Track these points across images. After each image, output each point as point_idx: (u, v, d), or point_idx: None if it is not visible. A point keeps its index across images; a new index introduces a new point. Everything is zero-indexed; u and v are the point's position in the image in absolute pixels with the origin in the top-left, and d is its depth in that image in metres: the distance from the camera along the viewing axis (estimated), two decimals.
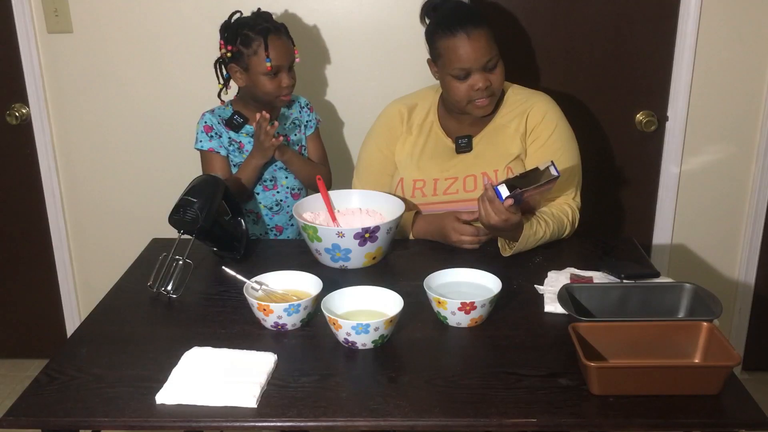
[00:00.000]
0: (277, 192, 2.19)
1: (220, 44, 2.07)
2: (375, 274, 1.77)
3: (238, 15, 2.08)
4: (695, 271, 2.65)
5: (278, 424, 1.24)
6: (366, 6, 2.42)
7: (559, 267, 1.75)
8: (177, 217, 1.71)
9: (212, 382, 1.31)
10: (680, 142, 2.50)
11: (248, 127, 2.13)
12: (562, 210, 1.93)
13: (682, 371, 1.29)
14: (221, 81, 2.14)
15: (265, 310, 1.47)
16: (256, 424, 1.25)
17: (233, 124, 2.12)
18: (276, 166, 2.16)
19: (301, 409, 1.25)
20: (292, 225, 2.24)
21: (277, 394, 1.29)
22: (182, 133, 2.46)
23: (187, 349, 1.41)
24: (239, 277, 1.58)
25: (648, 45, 2.44)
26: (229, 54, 2.04)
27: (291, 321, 1.49)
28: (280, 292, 1.59)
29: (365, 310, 1.49)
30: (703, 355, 1.35)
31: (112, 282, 1.76)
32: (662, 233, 2.63)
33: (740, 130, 2.50)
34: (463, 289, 1.59)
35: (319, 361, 1.40)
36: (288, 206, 2.20)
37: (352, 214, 1.94)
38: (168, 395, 1.28)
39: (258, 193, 2.18)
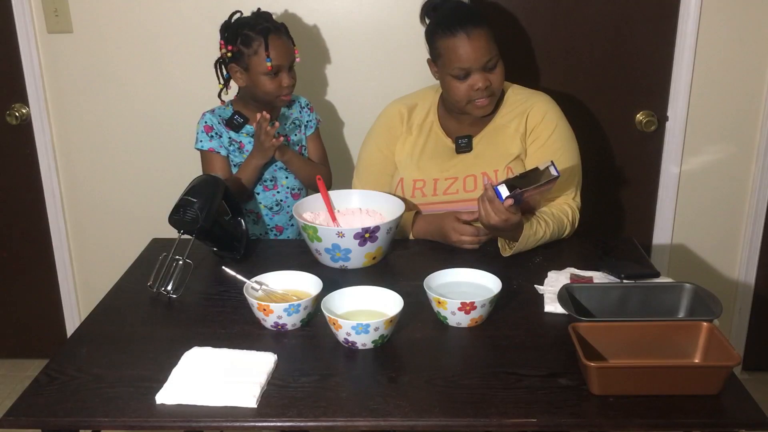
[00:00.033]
0: (278, 192, 2.19)
1: (221, 44, 2.07)
2: (375, 274, 1.77)
3: (238, 15, 2.08)
4: (695, 271, 2.65)
5: (278, 424, 1.24)
6: (366, 6, 2.42)
7: (559, 267, 1.75)
8: (177, 217, 1.71)
9: (212, 382, 1.31)
10: (680, 142, 2.50)
11: (248, 127, 2.13)
12: (562, 210, 1.93)
13: (682, 371, 1.29)
14: (221, 81, 2.14)
15: (265, 310, 1.48)
16: (256, 424, 1.25)
17: (233, 124, 2.12)
18: (276, 166, 2.16)
19: (301, 409, 1.25)
20: (292, 225, 2.24)
21: (277, 394, 1.29)
22: (182, 133, 2.46)
23: (187, 349, 1.41)
24: (239, 277, 1.58)
25: (648, 45, 2.44)
26: (229, 54, 2.05)
27: (291, 321, 1.49)
28: (280, 292, 1.59)
29: (365, 310, 1.49)
30: (703, 355, 1.35)
31: (112, 282, 1.77)
32: (662, 233, 2.63)
33: (740, 130, 2.50)
34: (463, 289, 1.59)
35: (319, 361, 1.40)
36: (288, 206, 2.20)
37: (352, 214, 1.94)
38: (168, 395, 1.28)
39: (258, 193, 2.18)
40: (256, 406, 1.26)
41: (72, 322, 2.82)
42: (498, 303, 1.53)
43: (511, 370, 1.36)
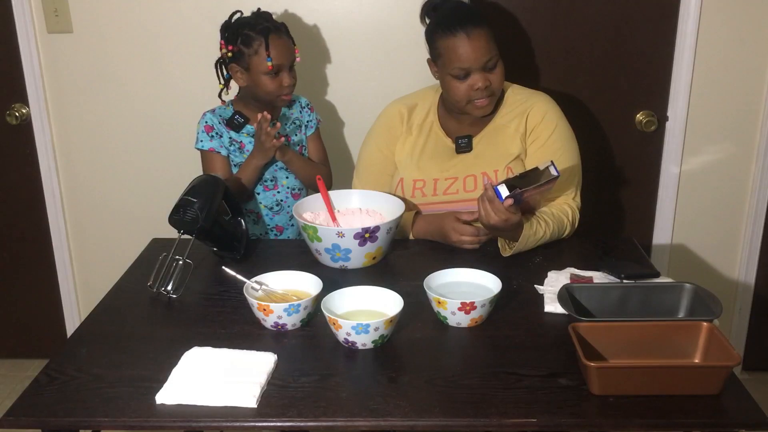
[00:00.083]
0: (278, 192, 2.19)
1: (221, 44, 2.07)
2: (375, 274, 1.77)
3: (238, 15, 2.08)
4: (695, 271, 2.65)
5: (278, 424, 1.24)
6: (366, 6, 2.42)
7: (559, 267, 1.75)
8: (177, 217, 1.71)
9: (212, 382, 1.31)
10: (680, 142, 2.50)
11: (249, 127, 2.13)
12: (562, 210, 1.93)
13: (682, 371, 1.29)
14: (222, 81, 2.14)
15: (265, 310, 1.47)
16: (256, 424, 1.25)
17: (234, 124, 2.12)
18: (277, 166, 2.16)
19: (301, 409, 1.25)
20: (292, 225, 2.24)
21: (277, 394, 1.29)
22: (182, 133, 2.46)
23: (187, 349, 1.41)
24: (239, 277, 1.58)
25: (648, 45, 2.44)
26: (230, 54, 2.04)
27: (291, 321, 1.49)
28: (280, 292, 1.59)
29: (365, 310, 1.49)
30: (703, 355, 1.35)
31: (112, 282, 1.77)
32: (662, 233, 2.63)
33: (740, 130, 2.50)
34: (463, 289, 1.59)
35: (319, 361, 1.40)
36: (288, 206, 2.20)
37: (352, 214, 1.94)
38: (168, 395, 1.28)
39: (258, 193, 2.18)
40: (256, 406, 1.26)
41: (72, 322, 2.82)
42: (498, 303, 1.53)
43: (511, 370, 1.36)
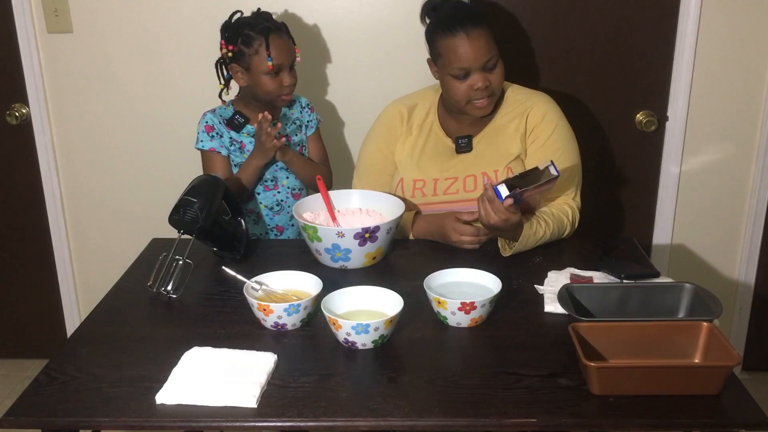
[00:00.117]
0: (278, 192, 2.19)
1: (221, 44, 2.07)
2: (375, 274, 1.77)
3: (238, 15, 2.08)
4: (695, 271, 2.65)
5: (278, 424, 1.24)
6: (366, 6, 2.42)
7: (559, 267, 1.75)
8: (177, 217, 1.71)
9: (212, 382, 1.31)
10: (680, 142, 2.50)
11: (249, 127, 2.13)
12: (562, 210, 1.93)
13: (682, 371, 1.29)
14: (222, 81, 2.14)
15: (265, 310, 1.47)
16: (256, 424, 1.25)
17: (234, 124, 2.12)
18: (277, 166, 2.16)
19: (301, 409, 1.25)
20: (292, 225, 2.24)
21: (277, 394, 1.29)
22: (182, 133, 2.46)
23: (187, 349, 1.41)
24: (239, 277, 1.58)
25: (648, 45, 2.44)
26: (230, 54, 2.04)
27: (291, 321, 1.49)
28: (280, 292, 1.59)
29: (365, 310, 1.49)
30: (703, 355, 1.35)
31: (112, 282, 1.76)
32: (662, 233, 2.63)
33: (740, 130, 2.50)
34: (463, 289, 1.59)
35: (319, 361, 1.40)
36: (289, 206, 2.19)
37: (352, 214, 1.94)
38: (168, 395, 1.28)
39: (259, 193, 2.18)
40: (256, 406, 1.26)
41: (72, 322, 2.82)
42: (498, 303, 1.53)
43: (511, 370, 1.36)
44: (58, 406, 1.28)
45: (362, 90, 2.50)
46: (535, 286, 1.67)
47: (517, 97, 2.03)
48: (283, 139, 2.05)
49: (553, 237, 1.88)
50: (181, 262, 1.67)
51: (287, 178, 2.19)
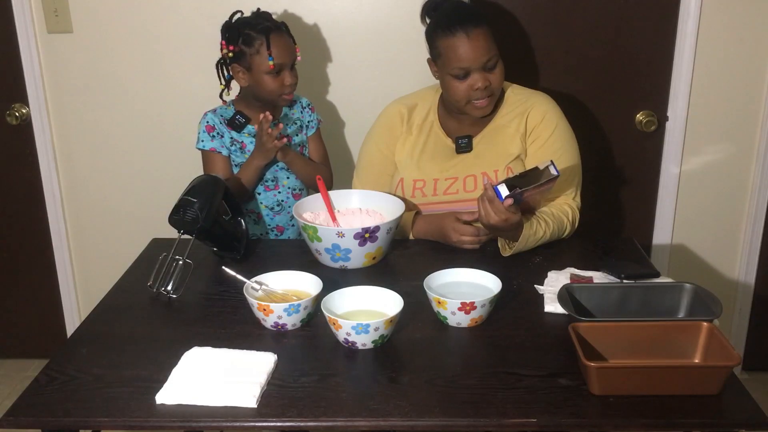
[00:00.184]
0: (279, 192, 2.19)
1: (222, 44, 2.07)
2: (375, 274, 1.77)
3: (239, 15, 2.08)
4: (695, 271, 2.65)
5: (278, 424, 1.24)
6: (366, 6, 2.42)
7: (559, 267, 1.75)
8: (177, 217, 1.71)
9: (212, 382, 1.31)
10: (680, 142, 2.50)
11: (250, 128, 2.13)
12: (562, 210, 1.93)
13: (682, 371, 1.29)
14: (223, 82, 2.13)
15: (265, 310, 1.47)
16: (256, 424, 1.25)
17: (235, 124, 2.12)
18: (278, 166, 2.16)
19: (301, 409, 1.25)
20: (293, 225, 2.24)
21: (277, 394, 1.29)
22: (182, 133, 2.46)
23: (187, 349, 1.41)
24: (239, 277, 1.58)
25: (648, 45, 2.44)
26: (231, 54, 2.04)
27: (291, 321, 1.49)
28: (280, 292, 1.59)
29: (365, 310, 1.49)
30: (703, 355, 1.35)
31: (112, 282, 1.77)
32: (662, 233, 2.63)
33: (740, 130, 2.50)
34: (463, 289, 1.59)
35: (319, 361, 1.40)
36: (289, 206, 2.19)
37: (352, 214, 1.94)
38: (168, 395, 1.28)
39: (259, 193, 2.18)
40: (256, 406, 1.26)
41: (72, 322, 2.82)
42: (498, 303, 1.53)
43: (511, 370, 1.36)
44: (58, 406, 1.28)
45: (362, 90, 2.50)
46: (535, 286, 1.67)
47: (517, 97, 2.03)
48: (284, 139, 2.05)
49: (553, 237, 1.88)
50: (181, 262, 1.68)
51: (288, 178, 2.19)
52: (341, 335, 1.42)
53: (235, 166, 2.14)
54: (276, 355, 1.39)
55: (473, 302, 1.46)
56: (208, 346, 1.42)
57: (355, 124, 2.50)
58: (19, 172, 2.67)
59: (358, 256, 1.76)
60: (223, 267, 1.63)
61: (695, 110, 2.47)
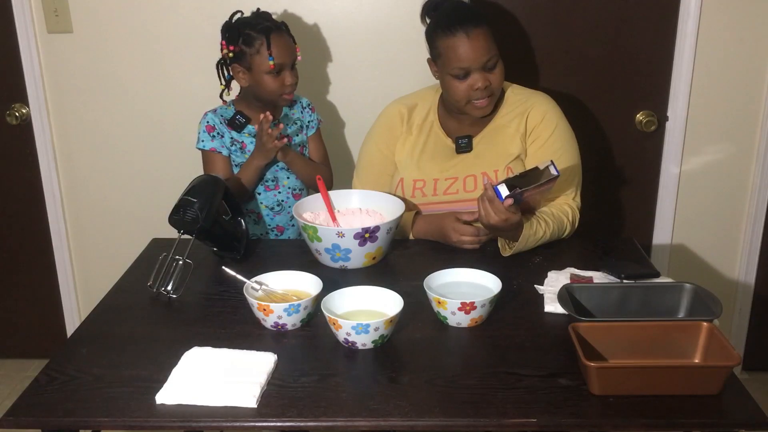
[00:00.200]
0: (279, 192, 2.19)
1: (222, 45, 2.07)
2: (375, 274, 1.77)
3: (239, 15, 2.08)
4: (695, 271, 2.65)
5: (278, 424, 1.24)
6: (366, 6, 2.42)
7: (559, 267, 1.75)
8: (177, 217, 1.71)
9: (212, 382, 1.31)
10: (680, 142, 2.50)
11: (250, 128, 2.13)
12: (562, 210, 1.93)
13: (682, 371, 1.29)
14: (223, 82, 2.13)
15: (265, 310, 1.47)
16: (256, 424, 1.25)
17: (236, 124, 2.12)
18: (278, 166, 2.16)
19: (301, 409, 1.25)
20: (293, 225, 2.24)
21: (277, 394, 1.29)
22: (182, 133, 2.46)
23: (187, 349, 1.41)
24: (239, 277, 1.58)
25: (648, 45, 2.44)
26: (231, 54, 2.04)
27: (291, 321, 1.49)
28: (280, 292, 1.59)
29: (365, 310, 1.49)
30: (703, 355, 1.35)
31: (112, 282, 1.76)
32: (662, 233, 2.63)
33: (740, 130, 2.50)
34: (463, 289, 1.59)
35: (319, 361, 1.40)
36: (289, 206, 2.19)
37: (352, 214, 1.94)
38: (168, 395, 1.28)
39: (260, 193, 2.18)
40: (256, 406, 1.26)
41: (72, 322, 2.82)
42: (498, 303, 1.53)
43: (511, 370, 1.36)
44: (58, 406, 1.28)
45: (362, 90, 2.50)
46: (535, 286, 1.67)
47: (517, 97, 2.03)
48: (285, 140, 2.05)
49: (553, 237, 1.88)
50: (181, 262, 1.68)
51: (288, 178, 2.19)
52: (341, 335, 1.42)
53: (236, 166, 2.14)
54: (276, 355, 1.39)
55: (473, 302, 1.46)
56: (208, 346, 1.42)
57: (355, 124, 2.50)
58: (19, 172, 2.67)
59: (358, 256, 1.76)
60: (223, 267, 1.63)
61: (695, 110, 2.47)
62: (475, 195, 1.84)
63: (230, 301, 1.64)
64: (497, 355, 1.42)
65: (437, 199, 1.98)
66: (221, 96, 2.15)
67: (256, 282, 1.58)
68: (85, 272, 2.78)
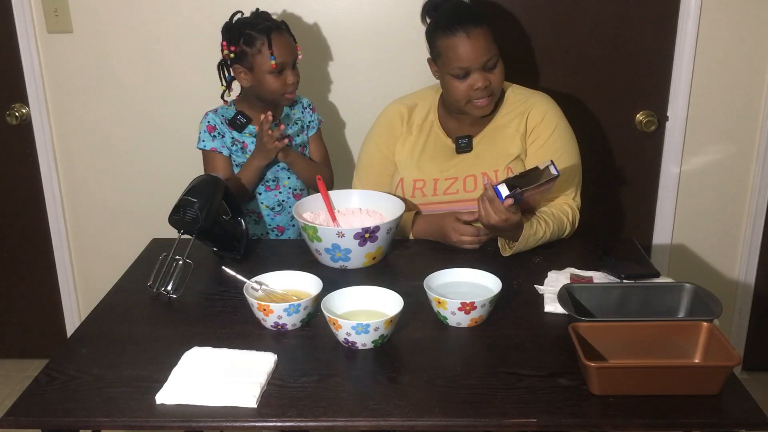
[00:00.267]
0: (280, 192, 2.19)
1: (223, 46, 2.07)
2: (375, 274, 1.77)
3: (239, 15, 2.08)
4: (695, 271, 2.65)
5: (278, 424, 1.24)
6: (366, 6, 2.42)
7: (559, 267, 1.75)
8: (177, 217, 1.71)
9: (212, 382, 1.31)
10: (680, 142, 2.50)
11: (251, 128, 2.12)
12: (562, 210, 1.93)
13: (682, 371, 1.29)
14: (224, 83, 2.13)
15: (265, 310, 1.47)
16: (256, 424, 1.25)
17: (236, 124, 2.12)
18: (279, 166, 2.16)
19: (301, 409, 1.25)
20: (293, 225, 2.24)
21: (277, 394, 1.29)
22: (182, 133, 2.46)
23: (187, 349, 1.41)
24: (239, 277, 1.58)
25: (648, 45, 2.44)
26: (232, 55, 2.04)
27: (291, 321, 1.49)
28: (280, 292, 1.59)
29: (365, 310, 1.49)
30: (703, 355, 1.35)
31: (112, 282, 1.77)
32: (662, 233, 2.63)
33: (740, 130, 2.50)
34: (463, 289, 1.59)
35: (319, 361, 1.40)
36: (290, 207, 2.19)
37: (352, 214, 1.94)
38: (168, 395, 1.28)
39: (260, 193, 2.18)
40: (256, 406, 1.26)
41: (72, 322, 2.82)
42: (498, 303, 1.53)
43: (511, 370, 1.36)
44: (58, 406, 1.28)
45: (362, 90, 2.50)
46: (535, 286, 1.67)
47: (517, 97, 2.03)
48: (285, 140, 2.05)
49: (553, 237, 1.88)
50: (181, 262, 1.68)
51: (288, 178, 2.19)
52: (341, 335, 1.42)
53: (236, 166, 2.14)
54: (276, 355, 1.39)
55: (473, 302, 1.46)
56: (208, 346, 1.42)
57: (355, 124, 2.50)
58: (19, 172, 2.67)
59: (358, 256, 1.76)
60: (223, 267, 1.63)
61: (695, 110, 2.47)
62: (475, 195, 1.84)
63: (230, 301, 1.64)
64: (497, 355, 1.42)
65: (437, 199, 1.98)
66: (222, 97, 2.15)
67: (256, 282, 1.58)
68: (85, 272, 2.78)
